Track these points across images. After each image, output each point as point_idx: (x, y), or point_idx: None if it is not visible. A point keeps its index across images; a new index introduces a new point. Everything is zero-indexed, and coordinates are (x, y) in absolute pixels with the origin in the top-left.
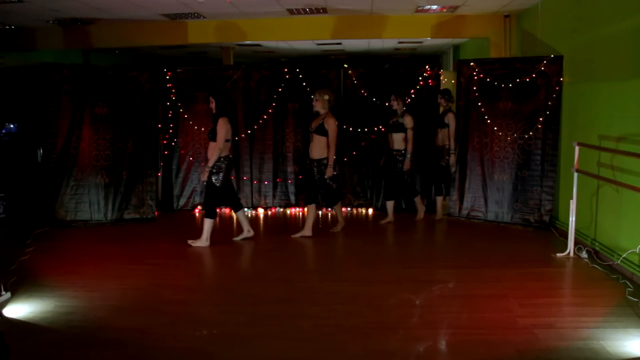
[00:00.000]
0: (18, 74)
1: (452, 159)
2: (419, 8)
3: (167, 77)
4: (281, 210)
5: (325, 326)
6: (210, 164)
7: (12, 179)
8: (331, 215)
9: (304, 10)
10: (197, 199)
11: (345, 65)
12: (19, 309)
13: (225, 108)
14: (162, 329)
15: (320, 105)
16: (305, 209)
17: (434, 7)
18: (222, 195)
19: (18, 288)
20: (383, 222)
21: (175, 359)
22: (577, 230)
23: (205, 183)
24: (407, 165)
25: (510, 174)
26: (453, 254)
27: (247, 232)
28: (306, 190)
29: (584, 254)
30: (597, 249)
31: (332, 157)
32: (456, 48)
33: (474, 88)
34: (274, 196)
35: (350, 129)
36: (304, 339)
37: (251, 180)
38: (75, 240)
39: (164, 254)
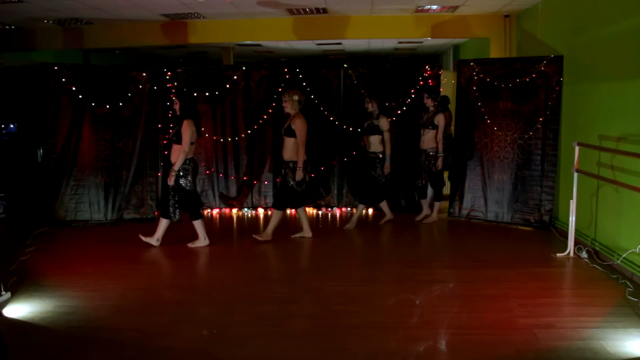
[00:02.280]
0: (18, 74)
1: (440, 162)
2: (419, 8)
3: (167, 77)
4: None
5: (325, 326)
6: (177, 167)
7: (12, 179)
8: (329, 215)
9: (304, 10)
10: None
11: (345, 65)
12: (19, 309)
13: (190, 110)
14: (162, 329)
15: (289, 106)
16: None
17: (434, 7)
18: (195, 198)
19: (18, 288)
20: (382, 221)
21: (175, 359)
22: (577, 230)
23: (172, 187)
24: (387, 168)
25: (510, 174)
26: (453, 254)
27: (157, 241)
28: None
29: (584, 254)
30: (597, 249)
31: (301, 159)
32: (456, 48)
33: (474, 88)
34: (274, 196)
35: (350, 128)
36: (304, 339)
37: (251, 180)
38: (75, 240)
39: (164, 254)
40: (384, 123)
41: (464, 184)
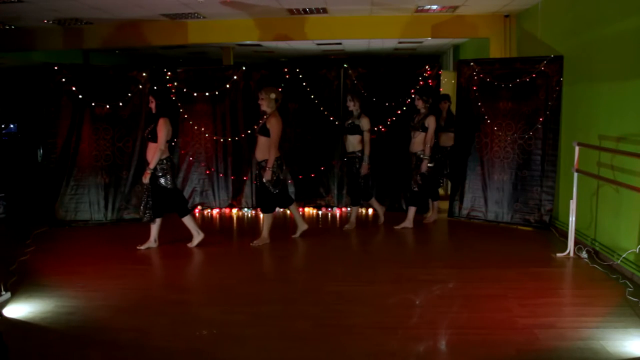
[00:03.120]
0: (18, 74)
1: (424, 165)
2: (419, 8)
3: (167, 77)
4: (281, 210)
5: (325, 326)
6: (152, 165)
7: (12, 179)
8: (329, 215)
9: (304, 10)
10: (197, 199)
11: (345, 65)
12: (19, 309)
13: (165, 108)
14: (162, 329)
15: (266, 104)
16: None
17: (434, 7)
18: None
19: (18, 288)
20: (380, 221)
21: (175, 359)
22: (577, 230)
23: (147, 186)
24: (365, 169)
25: (510, 174)
26: (453, 254)
27: (155, 242)
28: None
29: (584, 254)
30: (597, 249)
31: (272, 159)
32: (456, 48)
33: (474, 88)
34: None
35: None
36: (304, 339)
37: (251, 180)
38: (75, 240)
39: (164, 254)
40: (365, 123)
41: (464, 184)
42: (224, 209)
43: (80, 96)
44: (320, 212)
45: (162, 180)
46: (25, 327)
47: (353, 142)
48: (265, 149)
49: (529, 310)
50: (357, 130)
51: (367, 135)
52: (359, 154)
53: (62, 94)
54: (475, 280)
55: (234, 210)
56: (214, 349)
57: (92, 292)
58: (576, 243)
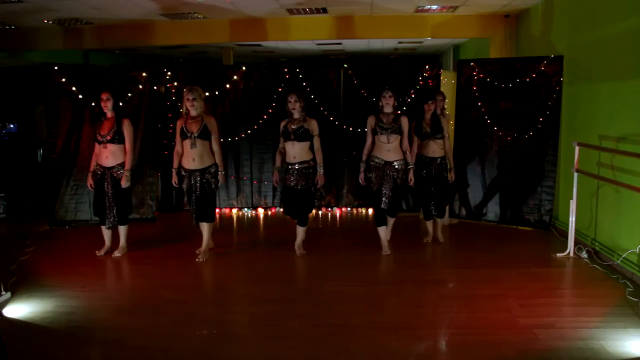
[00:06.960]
0: (18, 74)
1: (411, 174)
2: (419, 8)
3: (167, 77)
4: (281, 210)
5: (325, 326)
6: (128, 166)
7: (12, 179)
8: (329, 215)
9: (304, 10)
10: None
11: (345, 65)
12: (19, 309)
13: (122, 109)
14: (162, 329)
15: (199, 105)
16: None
17: (434, 7)
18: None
19: (18, 288)
20: (298, 252)
21: (175, 359)
22: (577, 230)
23: (112, 191)
24: (321, 179)
25: (510, 174)
26: (453, 254)
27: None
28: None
29: (584, 254)
30: (597, 249)
31: (221, 160)
32: (456, 48)
33: (474, 88)
34: (274, 196)
35: (350, 128)
36: (304, 339)
37: (251, 180)
38: (75, 240)
39: (164, 254)
40: (314, 126)
41: (463, 184)
42: (223, 209)
43: (80, 96)
44: (320, 212)
45: (129, 184)
46: (25, 327)
47: (303, 150)
48: (210, 153)
49: (529, 310)
50: (307, 136)
51: (317, 141)
52: (312, 163)
53: (62, 94)
54: (476, 280)
55: (234, 210)
56: (214, 349)
57: (92, 292)
58: (576, 243)
